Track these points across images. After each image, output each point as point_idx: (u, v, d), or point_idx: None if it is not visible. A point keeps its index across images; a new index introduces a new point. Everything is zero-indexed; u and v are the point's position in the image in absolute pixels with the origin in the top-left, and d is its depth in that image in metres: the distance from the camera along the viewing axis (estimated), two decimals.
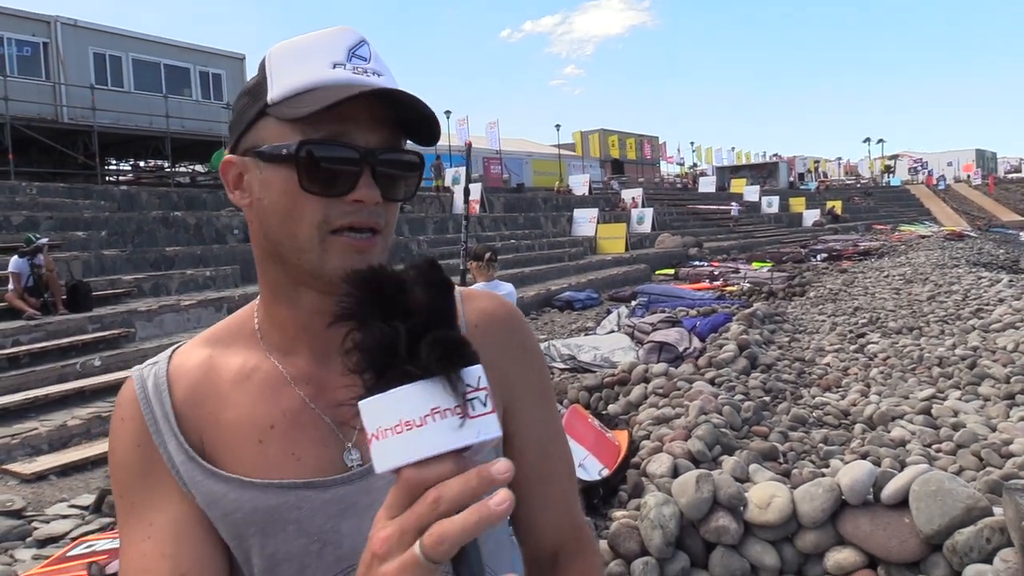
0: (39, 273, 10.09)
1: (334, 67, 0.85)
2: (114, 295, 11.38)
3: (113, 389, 8.40)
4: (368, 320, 0.61)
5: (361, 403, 0.61)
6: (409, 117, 0.87)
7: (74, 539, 4.84)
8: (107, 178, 21.57)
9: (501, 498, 0.57)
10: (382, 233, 0.88)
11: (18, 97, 17.43)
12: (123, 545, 0.89)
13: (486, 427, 0.59)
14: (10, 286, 9.96)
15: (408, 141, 0.91)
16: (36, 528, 5.25)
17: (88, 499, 5.67)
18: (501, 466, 0.58)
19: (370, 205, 0.85)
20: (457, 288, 1.02)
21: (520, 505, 0.95)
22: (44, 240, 10.51)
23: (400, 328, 0.60)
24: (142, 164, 25.59)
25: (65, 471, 6.44)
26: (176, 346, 0.98)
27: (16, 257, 10.12)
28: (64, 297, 10.29)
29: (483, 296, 1.05)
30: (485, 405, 0.60)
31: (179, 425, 0.89)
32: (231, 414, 0.90)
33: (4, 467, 6.50)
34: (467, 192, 8.08)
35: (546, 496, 1.01)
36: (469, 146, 8.90)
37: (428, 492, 0.58)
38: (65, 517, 5.43)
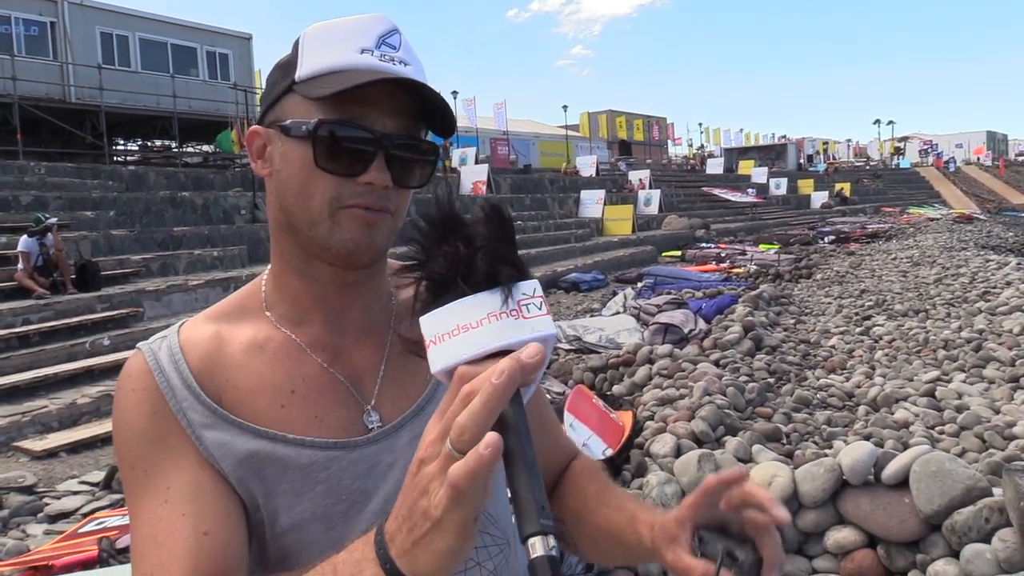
0: (48, 253, 10.16)
1: (362, 52, 0.88)
2: (122, 275, 11.45)
3: (122, 367, 8.45)
4: (434, 254, 0.66)
5: (421, 318, 0.65)
6: (430, 108, 0.90)
7: (85, 515, 4.91)
8: (115, 158, 21.61)
9: (487, 442, 0.57)
10: (393, 216, 0.91)
11: (26, 77, 17.46)
12: (135, 514, 0.86)
13: (541, 324, 0.62)
14: (20, 266, 10.03)
15: (429, 132, 0.94)
16: (47, 504, 5.33)
17: (98, 476, 5.75)
18: (530, 350, 0.60)
19: (380, 188, 0.88)
20: None
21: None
22: (53, 220, 10.57)
23: (460, 249, 0.65)
24: (149, 144, 25.60)
25: (75, 448, 6.52)
26: (182, 322, 0.98)
27: (25, 237, 10.18)
28: (73, 277, 10.36)
29: None
30: (540, 308, 0.63)
31: (202, 387, 0.89)
32: (249, 381, 0.91)
33: (15, 444, 6.59)
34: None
35: (545, 434, 1.14)
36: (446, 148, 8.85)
37: (463, 388, 0.60)
38: (76, 493, 5.51)
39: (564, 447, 1.19)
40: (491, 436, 0.57)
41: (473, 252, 0.65)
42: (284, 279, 0.97)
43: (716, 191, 36.33)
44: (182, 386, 0.89)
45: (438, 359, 0.62)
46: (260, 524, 0.88)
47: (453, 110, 0.93)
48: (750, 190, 37.38)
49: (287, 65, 0.92)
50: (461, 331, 0.61)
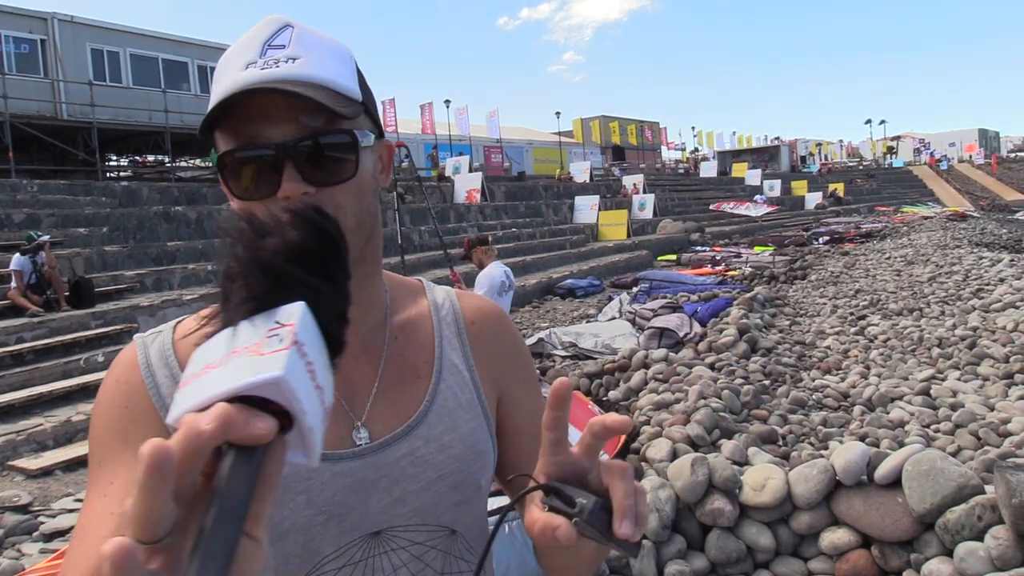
0: (41, 271, 10.12)
1: (247, 67, 0.84)
2: (116, 291, 11.42)
3: None
4: (231, 267, 0.56)
5: (192, 354, 0.54)
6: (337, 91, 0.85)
7: None
8: (107, 174, 21.59)
9: (143, 451, 0.44)
10: (336, 218, 0.86)
11: (17, 95, 17.44)
12: (85, 500, 0.86)
13: (267, 365, 0.48)
14: (13, 284, 9.99)
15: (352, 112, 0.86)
16: (43, 523, 5.30)
17: None
18: (210, 415, 0.46)
19: (298, 198, 0.81)
20: (451, 289, 1.10)
21: (525, 470, 1.03)
22: (46, 237, 10.54)
23: (233, 267, 0.55)
24: (139, 159, 25.59)
25: (70, 466, 6.49)
26: (179, 319, 0.98)
27: (18, 255, 10.15)
28: (67, 294, 10.33)
29: (476, 296, 1.12)
30: (282, 342, 0.49)
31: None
32: None
33: (10, 463, 6.56)
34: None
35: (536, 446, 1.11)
36: (400, 146, 8.82)
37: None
38: (71, 511, 5.48)
39: None
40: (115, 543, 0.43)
41: (245, 272, 0.54)
42: None
43: (727, 206, 34.55)
44: (170, 383, 0.89)
45: (174, 408, 0.50)
46: None
47: (350, 92, 0.86)
48: (758, 197, 36.30)
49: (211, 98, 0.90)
50: (205, 371, 0.50)
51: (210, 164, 22.63)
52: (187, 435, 0.45)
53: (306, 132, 0.84)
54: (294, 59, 0.85)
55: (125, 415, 0.89)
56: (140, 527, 0.44)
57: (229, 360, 0.50)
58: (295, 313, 0.52)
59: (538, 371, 7.59)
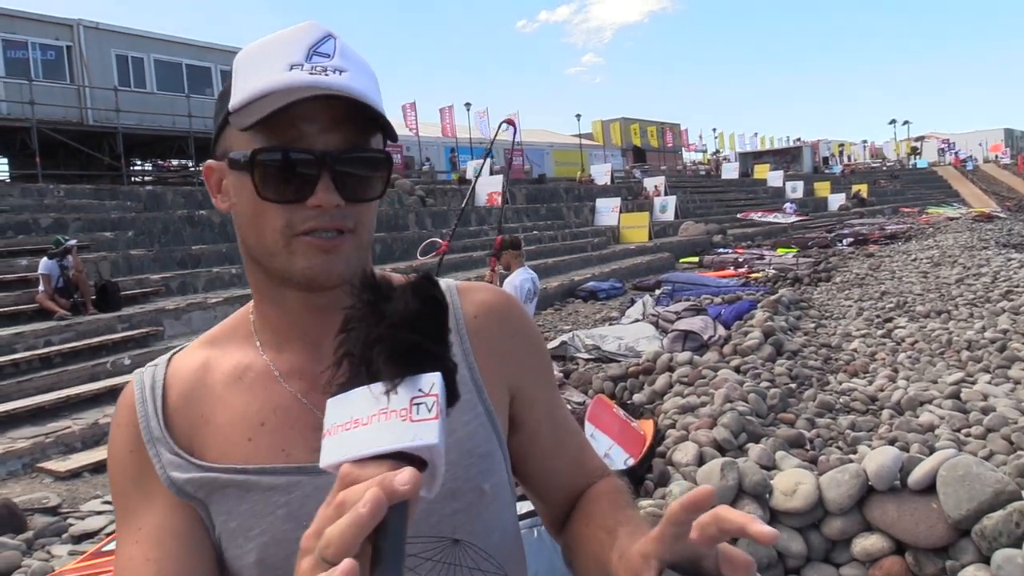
0: (68, 274, 10.25)
1: (291, 69, 0.83)
2: (142, 294, 11.54)
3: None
4: (356, 326, 0.63)
5: (328, 401, 0.63)
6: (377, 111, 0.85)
7: (108, 534, 4.93)
8: (132, 179, 21.82)
9: (365, 499, 0.55)
10: (354, 232, 0.87)
11: (44, 101, 17.67)
12: (117, 543, 0.91)
13: (424, 432, 0.58)
14: (40, 288, 10.12)
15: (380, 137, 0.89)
16: (71, 524, 5.35)
17: None
18: (403, 476, 0.57)
19: (330, 209, 0.83)
20: (453, 283, 1.04)
21: (544, 466, 1.07)
22: (72, 242, 10.67)
23: (369, 332, 0.62)
24: (163, 163, 25.83)
25: (98, 468, 6.55)
26: (177, 349, 0.99)
27: (46, 259, 10.28)
28: (93, 297, 10.45)
29: (480, 289, 1.06)
30: (431, 411, 0.59)
31: (168, 427, 0.90)
32: (223, 415, 0.91)
33: (39, 465, 6.63)
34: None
35: (564, 453, 1.07)
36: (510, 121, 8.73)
37: (337, 496, 0.59)
38: (99, 513, 5.53)
39: (586, 468, 1.09)
40: (347, 564, 0.55)
41: (380, 336, 0.61)
42: (261, 308, 0.96)
43: (754, 215, 33.42)
44: (155, 420, 0.91)
45: (327, 454, 0.61)
46: (220, 545, 0.89)
47: (386, 113, 0.87)
48: (788, 206, 34.79)
49: (224, 94, 0.89)
50: (352, 425, 0.60)
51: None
52: (377, 500, 0.55)
53: (349, 144, 0.84)
54: (341, 71, 0.84)
55: (132, 459, 0.91)
56: (339, 553, 0.55)
57: (378, 420, 0.59)
58: (436, 384, 0.60)
59: (561, 374, 7.57)
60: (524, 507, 1.58)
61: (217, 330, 1.01)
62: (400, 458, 0.58)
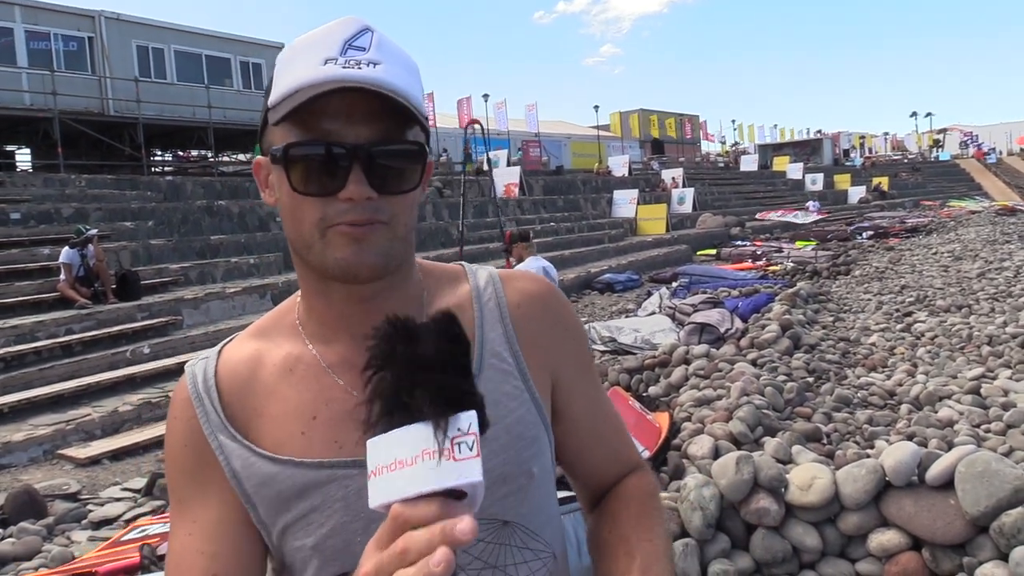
0: (89, 264, 10.36)
1: (325, 63, 0.84)
2: (161, 284, 11.63)
3: (162, 376, 8.60)
4: (383, 367, 0.66)
5: (368, 442, 0.66)
6: (414, 102, 0.86)
7: (127, 521, 4.99)
8: (153, 169, 21.97)
9: (438, 559, 0.58)
10: (388, 224, 0.87)
11: (65, 91, 17.82)
12: (171, 533, 0.95)
13: (467, 471, 0.61)
14: (62, 276, 10.23)
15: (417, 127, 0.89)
16: (91, 511, 5.42)
17: (140, 482, 5.84)
18: (464, 526, 0.60)
19: (361, 201, 0.84)
20: (495, 272, 1.06)
21: (582, 453, 1.09)
22: (93, 231, 10.77)
23: (402, 374, 0.65)
24: (183, 154, 25.98)
25: (117, 455, 6.63)
26: (226, 340, 1.01)
27: (67, 248, 10.39)
28: (114, 286, 10.55)
29: (522, 277, 1.07)
30: (471, 449, 0.62)
31: (228, 419, 0.93)
32: (276, 408, 0.93)
33: (60, 452, 6.71)
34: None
35: (601, 443, 1.09)
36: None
37: (397, 542, 0.61)
38: (118, 500, 5.60)
39: (622, 458, 1.12)
40: None
41: (414, 378, 0.64)
42: (308, 299, 0.97)
43: (774, 215, 31.56)
44: (214, 413, 0.93)
45: (375, 494, 0.64)
46: (279, 538, 0.93)
47: (421, 107, 0.88)
48: (811, 204, 33.40)
49: (267, 90, 0.91)
50: (397, 466, 0.63)
51: (252, 157, 23.09)
52: (448, 560, 0.59)
53: (381, 137, 0.85)
54: (375, 63, 0.85)
55: (190, 455, 0.94)
56: None
57: (422, 460, 0.62)
58: (474, 422, 0.64)
59: None
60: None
61: (265, 321, 1.03)
62: (444, 494, 0.62)
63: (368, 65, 0.84)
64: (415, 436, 0.63)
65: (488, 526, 0.93)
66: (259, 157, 0.94)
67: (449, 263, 1.11)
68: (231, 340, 1.01)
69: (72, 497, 5.71)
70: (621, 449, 1.12)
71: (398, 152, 0.87)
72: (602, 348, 8.70)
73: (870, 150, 68.47)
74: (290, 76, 0.85)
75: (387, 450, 0.64)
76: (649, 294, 12.45)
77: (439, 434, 0.63)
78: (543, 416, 0.99)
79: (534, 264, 6.22)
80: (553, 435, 1.03)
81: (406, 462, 0.62)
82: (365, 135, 0.84)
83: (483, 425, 0.66)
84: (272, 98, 0.87)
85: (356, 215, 0.85)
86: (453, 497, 0.62)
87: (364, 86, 0.82)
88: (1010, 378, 5.97)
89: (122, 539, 4.16)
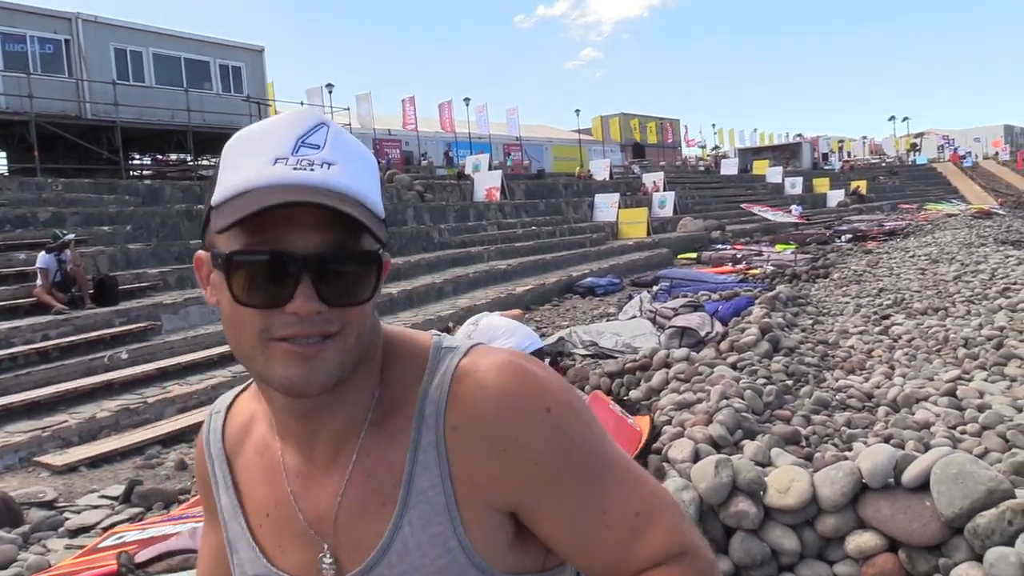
0: (66, 268, 10.24)
1: (275, 163, 0.78)
2: (140, 289, 11.53)
3: (140, 382, 8.53)
4: None
5: None
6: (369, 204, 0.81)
7: (105, 529, 4.94)
8: (131, 173, 21.79)
9: None
10: (339, 334, 0.80)
11: (42, 94, 17.63)
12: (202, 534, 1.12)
13: None
14: (38, 282, 10.11)
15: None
16: (68, 518, 5.36)
17: (118, 489, 5.78)
18: None
19: (310, 316, 0.78)
20: (453, 367, 0.89)
21: (580, 565, 0.91)
22: (71, 236, 10.65)
23: None
24: (161, 158, 25.81)
25: (95, 462, 6.56)
26: (239, 391, 1.05)
27: (44, 253, 10.27)
28: (91, 291, 10.44)
29: (477, 382, 0.87)
30: None
31: (231, 472, 1.00)
32: (249, 486, 0.98)
33: (36, 459, 6.64)
34: None
35: (599, 553, 0.89)
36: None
37: None
38: (96, 507, 5.54)
39: (634, 561, 0.89)
40: None
41: None
42: (264, 398, 0.93)
43: (756, 208, 33.24)
44: (220, 470, 1.00)
45: None
46: None
47: (378, 208, 0.82)
48: (794, 208, 34.26)
49: (211, 182, 0.84)
50: None
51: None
52: None
53: (333, 247, 0.79)
54: (329, 164, 0.79)
55: (203, 489, 1.06)
56: None
57: None
58: None
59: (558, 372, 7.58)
60: None
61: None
62: None
63: (321, 166, 0.79)
64: None
65: None
66: (199, 252, 0.87)
67: (424, 332, 0.98)
68: (242, 392, 1.04)
69: (48, 505, 5.64)
70: (634, 548, 0.89)
71: (352, 264, 0.81)
72: (583, 352, 8.72)
73: (848, 154, 69.06)
74: (237, 174, 0.79)
75: None
76: (630, 298, 12.50)
77: None
78: (475, 561, 0.86)
79: (514, 340, 6.13)
80: (547, 544, 0.91)
81: None
82: (315, 244, 0.78)
83: None
84: (216, 195, 0.81)
85: (303, 329, 0.78)
86: None
87: (311, 198, 0.76)
88: (985, 380, 6.04)
89: (99, 547, 4.11)
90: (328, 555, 0.89)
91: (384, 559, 0.86)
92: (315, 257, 0.78)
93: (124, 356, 9.09)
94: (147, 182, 18.15)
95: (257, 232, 0.77)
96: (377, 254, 0.83)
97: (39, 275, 10.12)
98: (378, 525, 0.86)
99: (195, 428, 7.45)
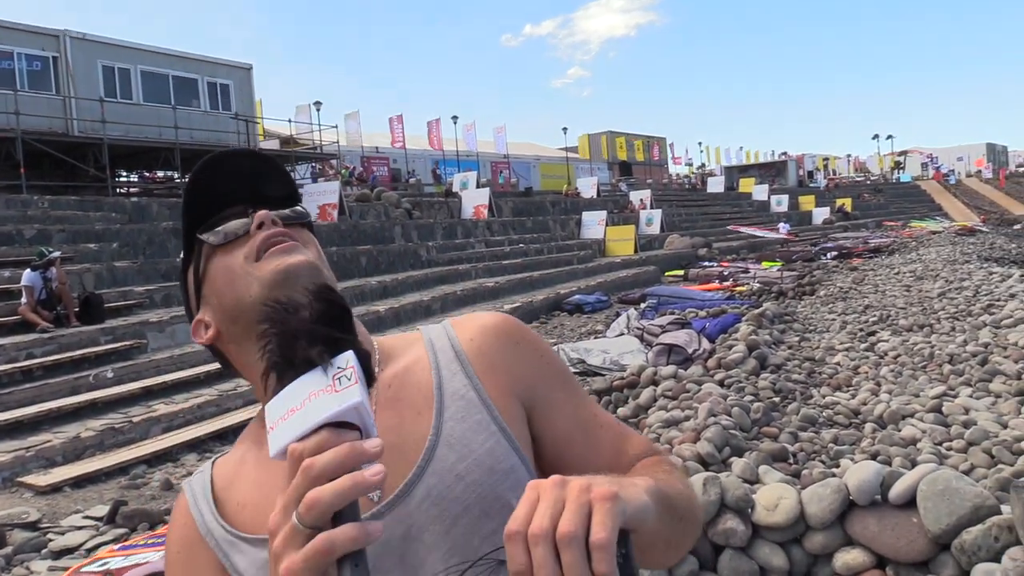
0: (52, 286, 10.17)
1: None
2: (126, 307, 11.46)
3: (126, 401, 8.46)
4: (272, 338, 0.71)
5: (265, 407, 0.71)
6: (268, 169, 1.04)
7: (89, 550, 4.89)
8: (118, 190, 21.71)
9: (375, 470, 0.63)
10: (305, 247, 0.98)
11: (29, 111, 17.56)
12: None
13: (348, 395, 0.65)
14: (23, 300, 10.04)
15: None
16: (51, 540, 5.30)
17: (102, 510, 5.72)
18: (373, 441, 0.65)
19: (270, 224, 0.96)
20: (448, 320, 1.06)
21: (582, 467, 0.94)
22: (56, 253, 10.58)
23: (286, 339, 0.70)
24: (149, 175, 25.73)
25: (79, 483, 6.50)
26: (217, 456, 1.06)
27: (29, 271, 10.20)
28: (76, 309, 10.36)
29: (473, 316, 1.07)
30: (350, 379, 0.66)
31: (219, 509, 0.96)
32: (255, 494, 0.95)
33: (19, 479, 6.56)
34: None
35: (600, 451, 1.01)
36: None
37: (304, 463, 0.64)
38: (80, 528, 5.48)
39: (627, 457, 1.02)
40: (348, 528, 0.62)
41: (298, 333, 0.70)
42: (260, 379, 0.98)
43: (744, 229, 33.71)
44: (209, 513, 0.97)
45: (273, 445, 0.68)
46: None
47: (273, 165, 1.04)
48: (782, 226, 34.42)
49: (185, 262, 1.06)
50: (290, 414, 0.67)
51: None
52: (353, 450, 0.64)
53: (267, 185, 1.01)
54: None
55: (183, 558, 0.98)
56: (321, 517, 0.63)
57: (310, 401, 0.66)
58: (350, 358, 0.68)
59: None
60: None
61: (253, 423, 1.06)
62: (337, 427, 0.65)
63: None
64: (303, 385, 0.67)
65: (485, 567, 0.88)
66: (192, 324, 1.03)
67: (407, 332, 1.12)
68: (222, 456, 1.06)
69: (32, 526, 5.58)
70: (622, 449, 1.03)
71: (282, 188, 1.02)
72: (571, 370, 8.72)
73: (833, 172, 69.66)
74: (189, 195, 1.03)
75: (281, 405, 0.68)
76: (618, 315, 12.51)
77: (323, 372, 0.67)
78: (514, 444, 0.95)
79: None
80: (548, 456, 1.00)
81: (296, 408, 0.66)
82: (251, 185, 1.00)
83: (370, 377, 0.70)
84: (201, 232, 1.01)
85: (272, 231, 0.95)
86: (347, 428, 0.66)
87: (240, 149, 0.99)
88: (971, 396, 6.08)
89: (82, 570, 4.07)
90: None
91: (435, 455, 0.91)
92: (258, 189, 1.00)
93: (109, 375, 9.02)
94: (134, 199, 18.06)
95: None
96: (294, 193, 1.04)
97: (24, 293, 10.05)
98: (420, 431, 0.93)
99: (181, 447, 7.41)
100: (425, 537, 0.88)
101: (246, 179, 1.00)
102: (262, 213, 0.96)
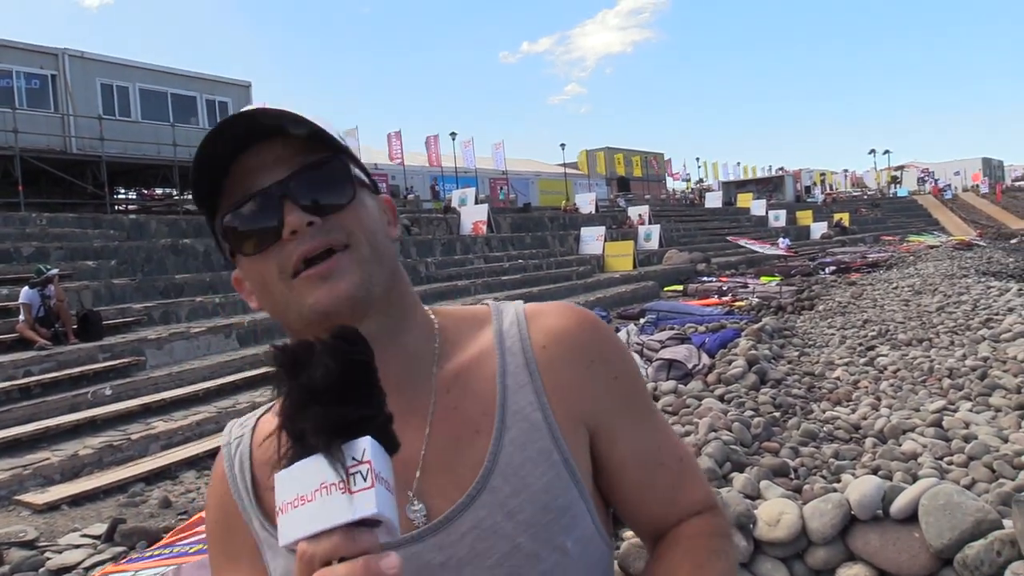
0: (50, 304, 10.17)
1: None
2: (124, 324, 11.45)
3: (124, 418, 8.44)
4: (284, 395, 0.64)
5: (275, 476, 0.64)
6: (315, 130, 0.84)
7: (87, 569, 4.86)
8: (116, 207, 21.74)
9: (391, 563, 0.59)
10: (350, 246, 0.82)
11: (27, 129, 17.62)
12: None
13: (362, 504, 0.59)
14: (21, 317, 10.04)
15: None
16: (49, 558, 5.26)
17: (100, 528, 5.69)
18: (390, 561, 0.59)
19: (305, 229, 0.81)
20: (522, 308, 0.97)
21: (631, 500, 0.95)
22: (54, 271, 10.59)
23: (294, 406, 0.62)
24: (147, 192, 25.77)
25: (77, 501, 6.46)
26: (265, 408, 0.99)
27: (27, 288, 10.20)
28: (75, 327, 10.36)
29: (552, 312, 0.96)
30: (366, 480, 0.60)
31: (258, 501, 0.91)
32: None
33: (17, 497, 6.53)
34: None
35: (653, 490, 0.95)
36: None
37: (315, 574, 0.59)
38: (78, 547, 5.45)
39: (679, 504, 0.96)
40: None
41: (304, 408, 0.62)
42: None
43: (743, 241, 33.77)
44: (247, 495, 0.92)
45: (284, 533, 0.62)
46: None
47: (327, 126, 0.86)
48: (782, 241, 34.24)
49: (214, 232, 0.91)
50: (299, 503, 0.61)
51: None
52: (368, 571, 0.59)
53: (297, 168, 0.83)
54: (259, 109, 0.85)
55: (223, 529, 0.94)
56: None
57: (320, 495, 0.60)
58: (368, 449, 0.61)
59: None
60: None
61: None
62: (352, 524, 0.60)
63: (253, 112, 0.85)
64: (313, 469, 0.61)
65: None
66: (235, 272, 0.92)
67: (476, 305, 1.01)
68: (265, 412, 0.98)
69: (29, 545, 5.54)
70: (677, 495, 0.96)
71: (319, 171, 0.83)
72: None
73: (831, 186, 69.90)
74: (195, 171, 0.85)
75: (291, 485, 0.62)
76: (617, 330, 12.50)
77: (335, 466, 0.60)
78: (576, 479, 0.87)
79: None
80: (599, 484, 0.93)
81: (307, 498, 0.60)
82: (281, 172, 0.82)
83: (392, 447, 0.64)
84: (196, 195, 0.87)
85: (308, 245, 0.81)
86: (366, 526, 0.60)
87: (256, 109, 0.83)
88: (971, 410, 6.07)
89: None
90: (415, 502, 0.84)
91: (488, 484, 0.84)
92: (283, 181, 0.82)
93: (108, 392, 9.00)
94: (132, 216, 18.07)
95: (237, 196, 0.83)
96: (339, 157, 0.86)
97: (22, 310, 10.04)
98: (476, 454, 0.85)
99: (180, 464, 7.37)
100: (465, 572, 0.82)
101: (282, 159, 0.84)
102: (293, 220, 0.80)
